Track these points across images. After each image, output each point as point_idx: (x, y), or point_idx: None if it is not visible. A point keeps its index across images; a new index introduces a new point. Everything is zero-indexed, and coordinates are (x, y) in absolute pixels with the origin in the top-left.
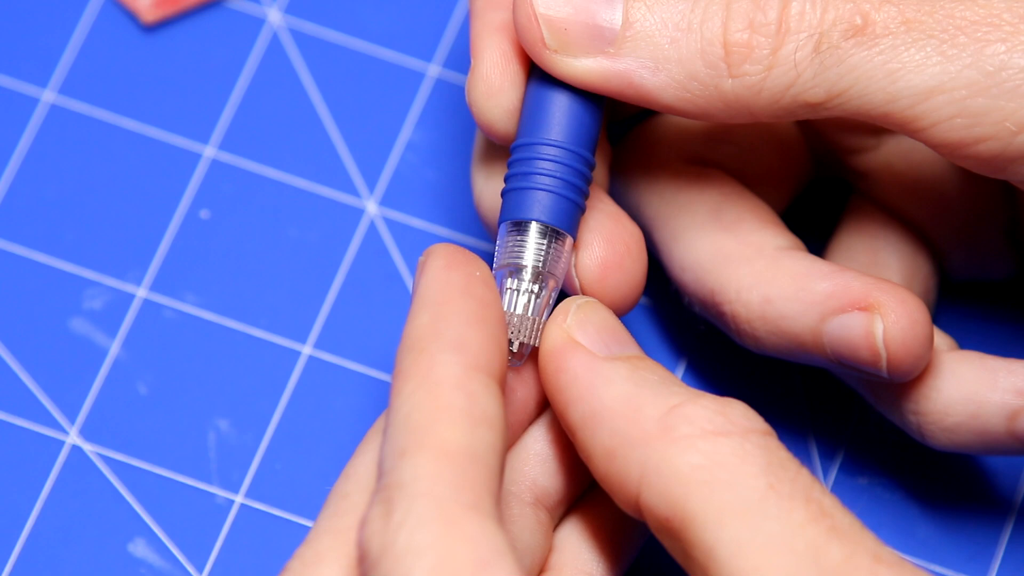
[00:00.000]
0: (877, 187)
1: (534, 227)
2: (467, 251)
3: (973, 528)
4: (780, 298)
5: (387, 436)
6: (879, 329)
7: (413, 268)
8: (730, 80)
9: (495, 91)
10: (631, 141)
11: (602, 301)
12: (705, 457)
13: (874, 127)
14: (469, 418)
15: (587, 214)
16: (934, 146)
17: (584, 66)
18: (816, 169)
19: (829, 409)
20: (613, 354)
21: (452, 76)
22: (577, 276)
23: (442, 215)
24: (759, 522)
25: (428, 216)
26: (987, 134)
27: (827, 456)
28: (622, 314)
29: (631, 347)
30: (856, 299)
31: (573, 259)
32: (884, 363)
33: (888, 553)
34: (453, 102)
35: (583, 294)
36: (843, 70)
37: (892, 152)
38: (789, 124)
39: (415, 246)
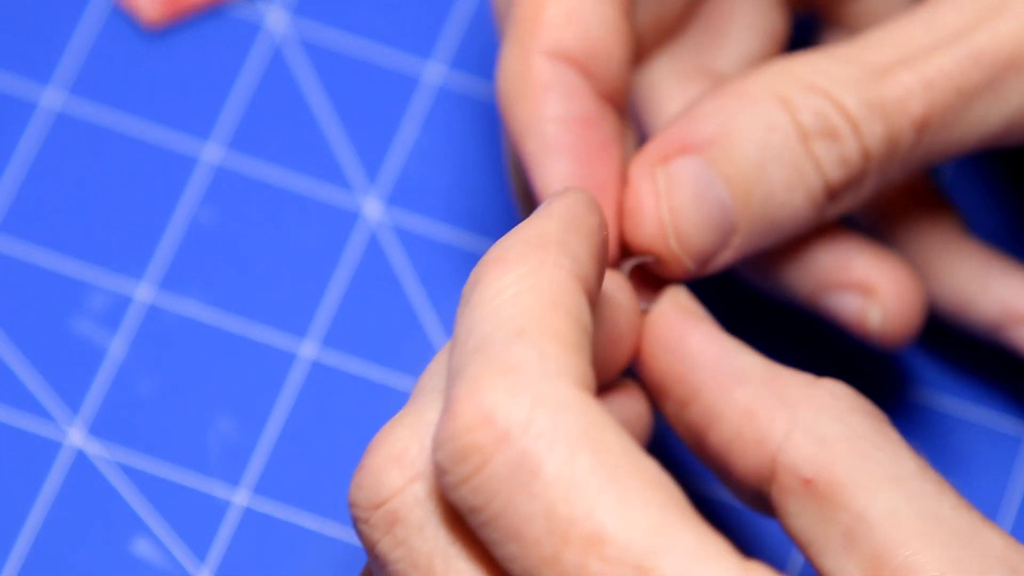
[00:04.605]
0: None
1: None
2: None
3: None
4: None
5: (488, 313)
6: (875, 315)
7: (416, 270)
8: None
9: None
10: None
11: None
12: (853, 429)
13: None
14: (578, 322)
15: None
16: None
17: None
18: None
19: None
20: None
21: (455, 78)
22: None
23: (446, 218)
24: (915, 496)
25: (432, 219)
26: None
27: None
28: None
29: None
30: (856, 280)
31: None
32: (877, 341)
33: None
34: (456, 104)
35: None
36: None
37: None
38: None
39: (417, 248)
